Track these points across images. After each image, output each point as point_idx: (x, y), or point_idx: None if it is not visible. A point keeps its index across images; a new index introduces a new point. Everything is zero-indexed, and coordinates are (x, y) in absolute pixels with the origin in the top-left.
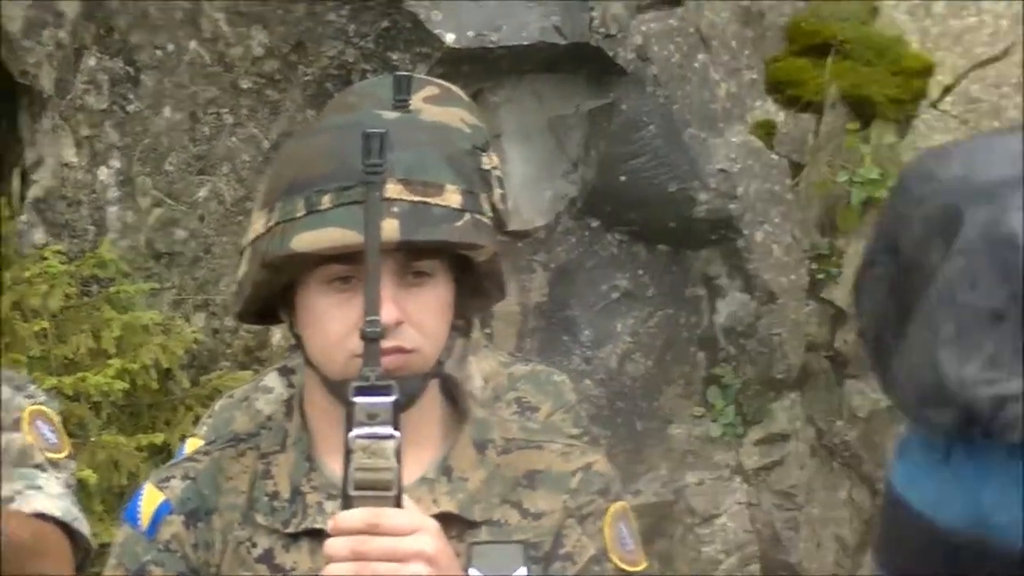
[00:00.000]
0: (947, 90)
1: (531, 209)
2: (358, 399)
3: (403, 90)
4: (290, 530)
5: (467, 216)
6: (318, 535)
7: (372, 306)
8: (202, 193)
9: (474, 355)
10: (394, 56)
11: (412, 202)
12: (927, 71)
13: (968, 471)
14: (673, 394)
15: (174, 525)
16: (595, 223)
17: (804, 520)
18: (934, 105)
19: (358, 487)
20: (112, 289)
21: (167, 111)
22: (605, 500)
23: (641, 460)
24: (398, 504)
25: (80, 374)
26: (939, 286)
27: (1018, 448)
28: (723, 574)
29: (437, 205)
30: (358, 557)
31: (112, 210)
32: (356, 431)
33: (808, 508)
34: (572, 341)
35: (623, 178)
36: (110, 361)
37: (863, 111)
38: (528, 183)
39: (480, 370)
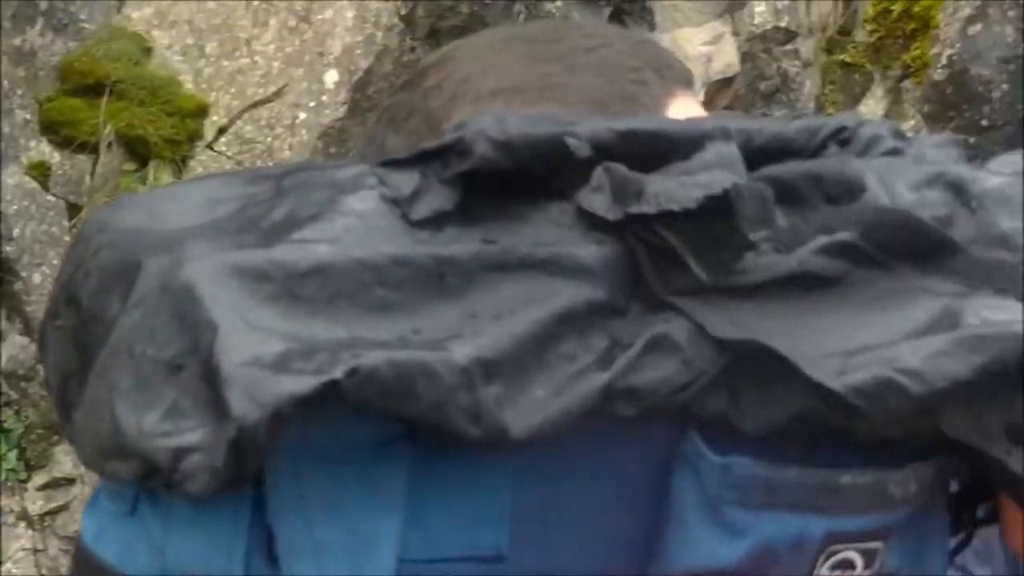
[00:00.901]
0: (222, 131)
1: None
2: None
3: None
4: None
5: None
6: None
7: None
8: None
9: None
10: None
11: None
12: (202, 112)
13: (153, 524)
14: None
15: None
16: None
17: None
18: (209, 146)
19: None
20: None
21: None
22: None
23: None
24: None
25: None
26: (117, 338)
27: (201, 499)
28: None
29: None
30: None
31: None
32: None
33: None
34: None
35: None
36: None
37: (139, 151)
38: None
39: None
